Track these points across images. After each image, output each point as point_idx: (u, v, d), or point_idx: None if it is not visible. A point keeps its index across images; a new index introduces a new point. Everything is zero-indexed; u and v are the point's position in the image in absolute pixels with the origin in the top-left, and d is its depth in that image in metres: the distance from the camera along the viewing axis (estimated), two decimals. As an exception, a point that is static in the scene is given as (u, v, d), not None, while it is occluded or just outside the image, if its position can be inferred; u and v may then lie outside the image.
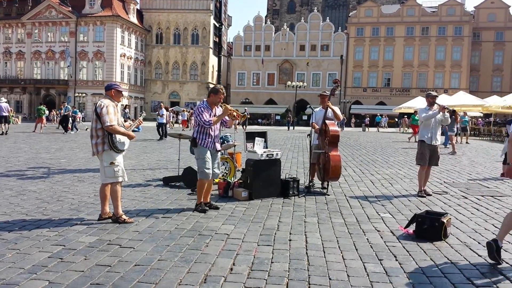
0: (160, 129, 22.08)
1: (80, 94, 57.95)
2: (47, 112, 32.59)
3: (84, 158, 12.94)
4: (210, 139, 6.28)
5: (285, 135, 29.10)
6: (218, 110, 6.42)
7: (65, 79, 60.15)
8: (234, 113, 6.49)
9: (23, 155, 13.32)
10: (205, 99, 6.46)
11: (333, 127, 7.93)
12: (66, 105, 27.54)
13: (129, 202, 6.85)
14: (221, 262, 4.21)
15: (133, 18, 63.50)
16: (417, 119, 22.74)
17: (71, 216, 5.89)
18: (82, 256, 4.28)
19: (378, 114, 49.35)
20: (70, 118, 26.88)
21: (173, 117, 41.21)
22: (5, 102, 23.73)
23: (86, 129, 29.12)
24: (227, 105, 6.43)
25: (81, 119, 39.95)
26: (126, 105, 29.58)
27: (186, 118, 38.58)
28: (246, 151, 9.26)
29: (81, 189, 7.91)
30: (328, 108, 8.08)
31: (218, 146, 6.48)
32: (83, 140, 20.17)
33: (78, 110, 31.91)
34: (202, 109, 6.20)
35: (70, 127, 26.93)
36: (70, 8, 59.52)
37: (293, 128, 42.94)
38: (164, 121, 22.41)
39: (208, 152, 6.27)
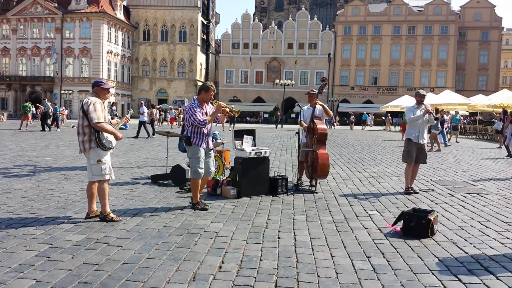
0: (140, 127, 21.70)
1: (66, 91, 57.32)
2: (33, 109, 32.21)
3: (70, 156, 12.82)
4: (204, 138, 6.26)
5: (273, 133, 29.14)
6: (209, 108, 6.38)
7: (51, 76, 59.45)
8: (227, 109, 6.49)
9: (8, 153, 13.16)
10: (195, 97, 6.39)
11: (321, 125, 7.97)
12: (46, 102, 26.98)
13: (116, 200, 6.81)
14: (210, 260, 4.20)
15: (120, 15, 62.99)
16: None
17: (58, 214, 5.84)
18: (70, 254, 4.25)
19: (365, 112, 49.55)
20: (52, 116, 26.41)
21: (160, 114, 40.88)
22: None
23: (72, 127, 28.86)
24: (219, 102, 6.41)
25: (66, 116, 39.47)
26: (113, 102, 29.29)
27: (174, 116, 38.39)
28: (234, 149, 9.25)
29: (68, 187, 7.83)
30: (316, 105, 8.12)
31: (211, 144, 6.47)
32: (69, 137, 19.98)
33: (59, 107, 31.21)
34: (195, 109, 6.12)
35: (56, 124, 26.58)
36: (56, 4, 58.83)
37: (281, 126, 42.99)
38: (145, 119, 22.05)
39: (202, 151, 6.25)
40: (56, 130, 25.69)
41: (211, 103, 6.43)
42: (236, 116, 7.13)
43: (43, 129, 25.00)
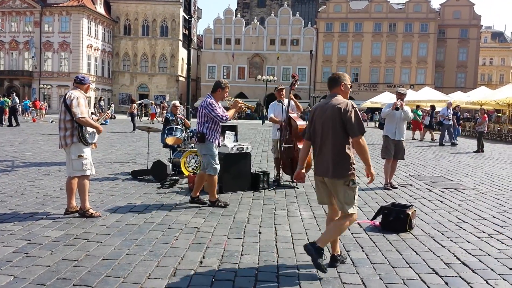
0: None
1: (45, 86, 56.39)
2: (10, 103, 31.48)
3: (49, 151, 12.64)
4: (218, 135, 6.28)
5: (256, 129, 29.14)
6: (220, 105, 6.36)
7: (29, 70, 58.40)
8: (243, 106, 6.61)
9: (-15, 148, 12.90)
10: (209, 94, 6.33)
11: (299, 121, 8.07)
12: (14, 96, 26.13)
13: (96, 196, 6.75)
14: (190, 255, 4.20)
15: (100, 9, 62.13)
16: (420, 114, 22.96)
17: (36, 210, 5.76)
18: (48, 250, 4.20)
19: None
20: (11, 110, 25.50)
21: (141, 110, 40.43)
22: None
23: (51, 122, 28.40)
24: (235, 99, 6.56)
25: (45, 110, 38.72)
26: (100, 97, 28.60)
27: (154, 112, 38.02)
28: (219, 145, 9.25)
29: (46, 183, 7.73)
30: (291, 101, 8.16)
31: (221, 141, 6.60)
32: (48, 132, 19.67)
33: (18, 101, 29.69)
34: (214, 105, 6.12)
35: (15, 119, 25.25)
36: (34, -3, 57.76)
37: (262, 123, 42.99)
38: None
39: (216, 147, 6.26)
40: (10, 126, 24.48)
41: (227, 100, 6.47)
42: (251, 112, 7.35)
43: (10, 124, 24.37)
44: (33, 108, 36.02)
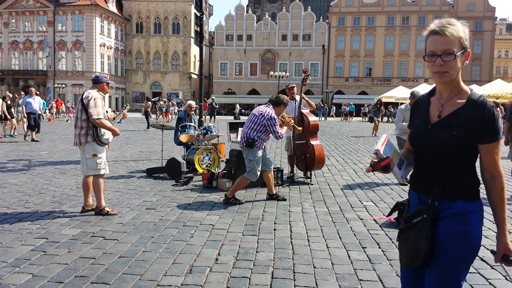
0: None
1: (60, 85, 56.95)
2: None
3: (65, 150, 12.77)
4: (265, 144, 6.45)
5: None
6: None
7: (44, 70, 59.00)
8: (292, 125, 6.97)
9: (3, 148, 13.09)
10: (270, 107, 6.43)
11: (311, 117, 8.01)
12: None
13: (112, 194, 6.80)
14: (206, 253, 4.22)
15: (112, 7, 62.46)
16: None
17: (54, 208, 5.83)
18: (66, 248, 4.25)
19: (351, 103, 48.59)
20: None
21: (155, 109, 40.21)
22: None
23: (66, 121, 28.72)
24: (289, 117, 6.82)
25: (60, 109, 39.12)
26: (159, 98, 27.30)
27: (166, 110, 37.96)
28: (229, 142, 9.26)
29: (63, 181, 7.82)
30: (302, 99, 8.13)
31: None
32: (63, 131, 19.88)
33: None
34: (276, 121, 6.31)
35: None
36: (47, -3, 58.31)
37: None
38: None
39: (261, 154, 6.35)
40: None
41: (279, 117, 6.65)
42: (297, 133, 7.74)
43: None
44: (55, 108, 36.51)
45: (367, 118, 36.77)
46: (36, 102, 15.69)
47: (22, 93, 17.63)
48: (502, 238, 2.01)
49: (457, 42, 1.94)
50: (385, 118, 40.00)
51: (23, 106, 15.59)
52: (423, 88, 29.93)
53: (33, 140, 15.09)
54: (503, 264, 2.00)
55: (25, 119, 16.01)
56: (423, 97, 2.20)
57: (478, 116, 1.93)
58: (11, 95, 18.62)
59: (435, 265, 1.97)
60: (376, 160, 2.01)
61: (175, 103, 39.77)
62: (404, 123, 7.70)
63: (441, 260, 1.96)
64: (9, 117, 16.69)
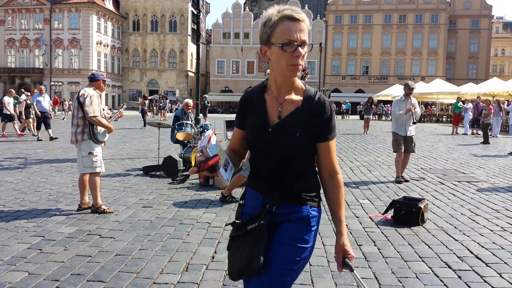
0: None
1: (56, 83, 56.80)
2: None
3: (61, 148, 12.74)
4: None
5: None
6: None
7: (40, 68, 58.88)
8: None
9: (-2, 146, 13.05)
10: None
11: None
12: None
13: (108, 192, 6.80)
14: (202, 251, 4.22)
15: (109, 5, 62.29)
16: (460, 106, 22.57)
17: (50, 206, 5.82)
18: (62, 246, 4.25)
19: (347, 101, 48.60)
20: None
21: (154, 106, 40.14)
22: None
23: (63, 119, 28.65)
24: None
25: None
26: (161, 95, 27.61)
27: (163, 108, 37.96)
28: (226, 140, 9.25)
29: (59, 180, 7.80)
30: None
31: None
32: (59, 129, 19.83)
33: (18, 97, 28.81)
34: None
35: None
36: (44, -6, 58.12)
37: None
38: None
39: None
40: None
41: None
42: None
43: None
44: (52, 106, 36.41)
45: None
46: (46, 101, 15.58)
47: (25, 92, 17.42)
48: (340, 238, 1.89)
49: (307, 31, 1.80)
50: (376, 116, 40.27)
51: (34, 105, 15.43)
52: (420, 86, 30.00)
53: (51, 138, 14.81)
54: (355, 273, 1.87)
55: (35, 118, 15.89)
56: (254, 94, 1.98)
57: (318, 114, 1.84)
58: (26, 94, 18.03)
59: (265, 271, 1.79)
60: (202, 158, 1.72)
61: (168, 100, 40.34)
62: (400, 111, 7.95)
63: (273, 266, 1.80)
64: (24, 117, 16.50)
